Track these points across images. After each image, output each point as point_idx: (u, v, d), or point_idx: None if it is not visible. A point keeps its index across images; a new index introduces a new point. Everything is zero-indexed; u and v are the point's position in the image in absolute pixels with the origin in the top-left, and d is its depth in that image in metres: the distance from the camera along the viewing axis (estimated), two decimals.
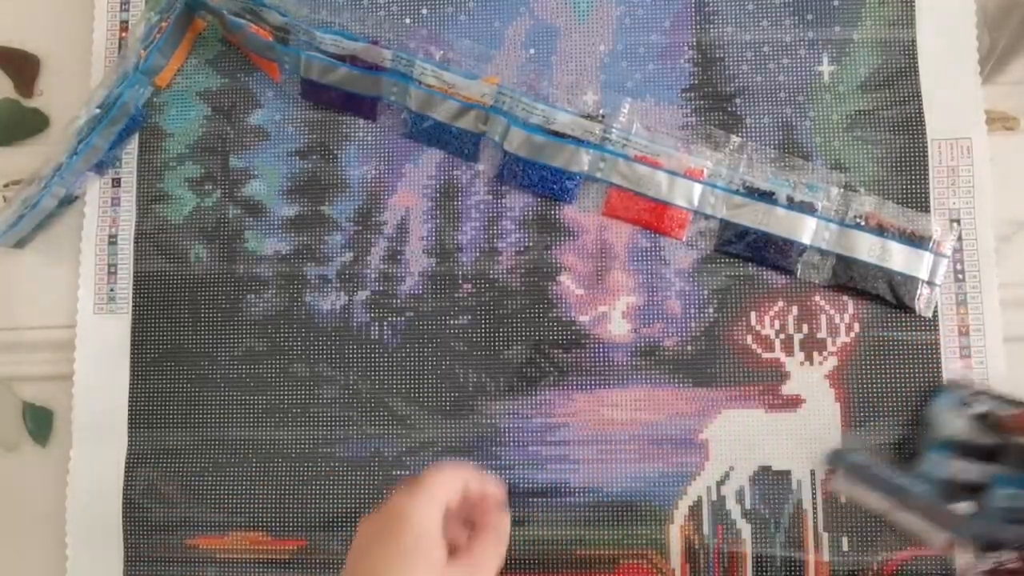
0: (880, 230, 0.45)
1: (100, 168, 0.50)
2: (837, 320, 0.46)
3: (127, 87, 0.48)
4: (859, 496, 0.44)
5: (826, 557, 0.44)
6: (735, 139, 0.46)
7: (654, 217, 0.46)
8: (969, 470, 0.41)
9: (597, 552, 0.45)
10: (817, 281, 0.45)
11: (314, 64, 0.48)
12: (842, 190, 0.45)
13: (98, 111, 0.48)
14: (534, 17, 0.49)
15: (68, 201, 0.50)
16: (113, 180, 0.50)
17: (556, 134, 0.47)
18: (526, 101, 0.47)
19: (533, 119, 0.47)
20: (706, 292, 0.46)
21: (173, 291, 0.49)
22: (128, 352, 0.49)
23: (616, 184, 0.47)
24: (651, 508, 0.45)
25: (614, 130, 0.47)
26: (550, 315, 0.47)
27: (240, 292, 0.48)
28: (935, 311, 0.45)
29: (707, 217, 0.46)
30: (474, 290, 0.47)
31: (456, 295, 0.47)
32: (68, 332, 0.49)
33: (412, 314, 0.47)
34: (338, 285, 0.48)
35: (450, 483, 0.38)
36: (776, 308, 0.46)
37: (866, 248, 0.45)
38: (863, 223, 0.45)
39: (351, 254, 0.48)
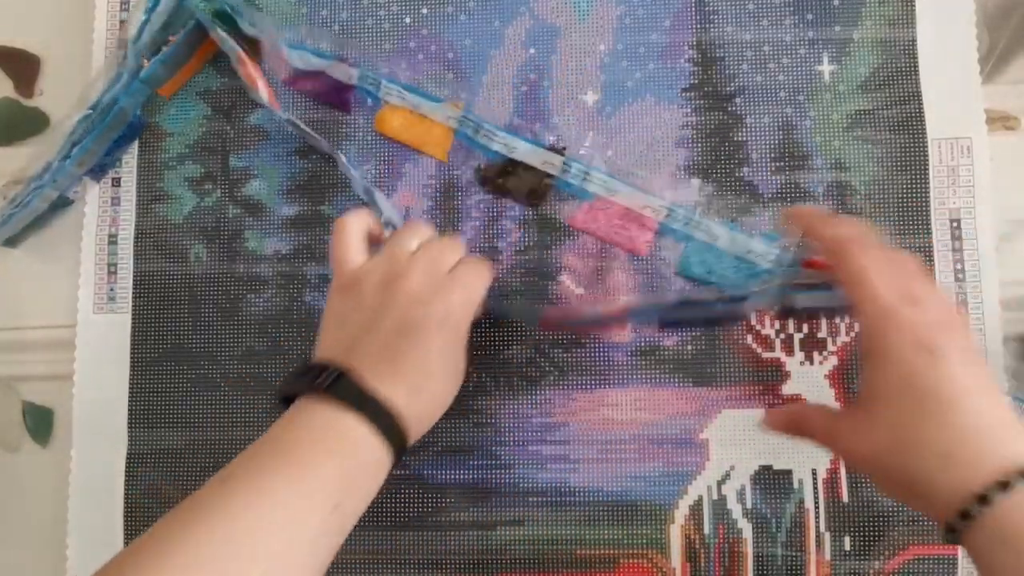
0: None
1: (97, 173, 0.49)
2: (837, 320, 0.46)
3: (125, 94, 0.48)
4: None
5: (828, 557, 0.44)
6: (692, 184, 0.46)
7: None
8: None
9: (597, 552, 0.45)
10: (766, 312, 0.46)
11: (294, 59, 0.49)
12: (790, 248, 0.45)
13: (90, 112, 0.48)
14: (534, 17, 0.49)
15: (62, 204, 0.50)
16: (113, 180, 0.50)
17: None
18: (488, 127, 0.47)
19: (494, 146, 0.47)
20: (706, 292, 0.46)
21: (173, 291, 0.49)
22: (128, 352, 0.49)
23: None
24: (651, 508, 0.45)
25: (574, 164, 0.47)
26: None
27: (240, 292, 0.48)
28: None
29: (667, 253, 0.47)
30: None
31: None
32: (68, 332, 0.49)
33: None
34: None
35: (481, 291, 0.40)
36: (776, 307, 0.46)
37: (807, 275, 0.43)
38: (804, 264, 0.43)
39: None
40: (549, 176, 0.47)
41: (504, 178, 0.47)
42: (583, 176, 0.47)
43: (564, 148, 0.47)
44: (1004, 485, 0.28)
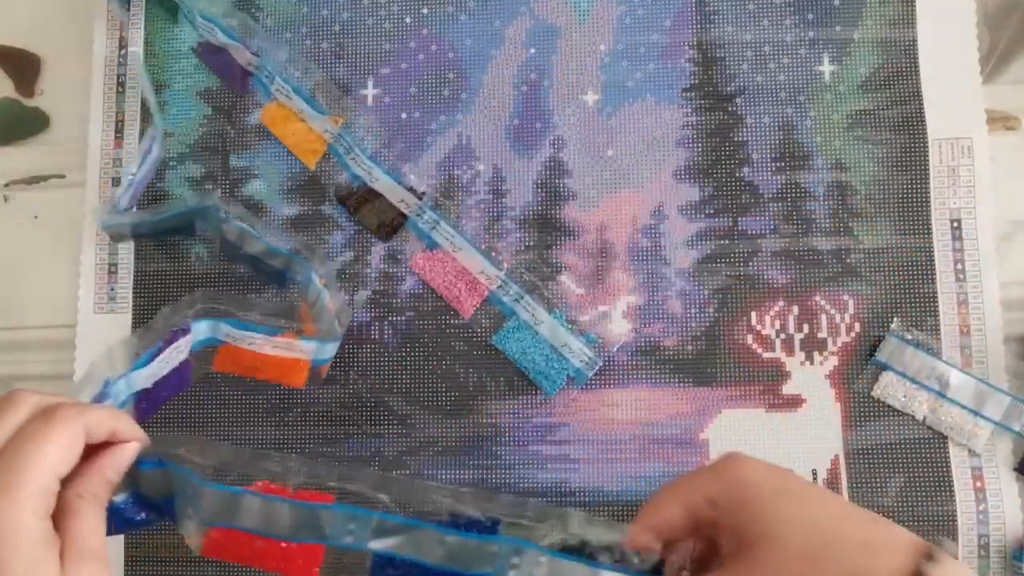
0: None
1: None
2: (838, 320, 0.46)
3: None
4: (902, 398, 0.43)
5: None
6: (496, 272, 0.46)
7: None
8: None
9: None
10: None
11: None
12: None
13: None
14: (534, 17, 0.49)
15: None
16: (114, 180, 0.50)
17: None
18: (357, 152, 0.48)
19: (357, 170, 0.48)
20: (706, 292, 0.46)
21: (173, 290, 0.49)
22: None
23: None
24: None
25: (427, 212, 0.47)
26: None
27: (240, 292, 0.48)
28: (936, 309, 0.45)
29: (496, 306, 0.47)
30: None
31: None
32: (69, 331, 0.49)
33: (412, 314, 0.47)
34: (338, 285, 0.48)
35: (62, 456, 0.27)
36: (777, 308, 0.46)
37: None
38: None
39: (351, 253, 0.48)
40: (402, 215, 0.47)
41: (361, 203, 0.47)
42: (433, 224, 0.47)
43: (423, 193, 0.48)
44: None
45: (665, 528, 0.31)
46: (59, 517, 0.28)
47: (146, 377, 0.39)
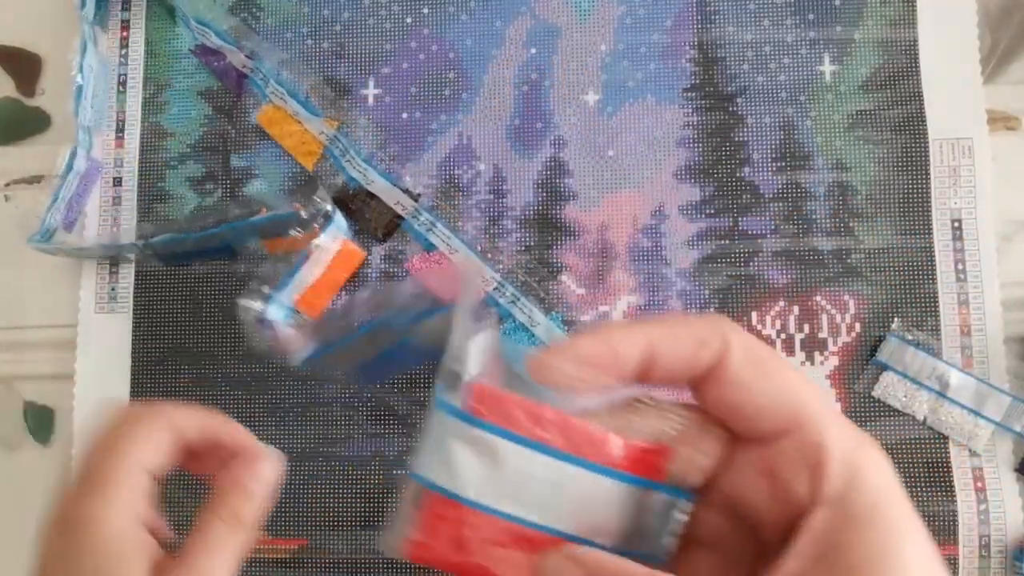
0: None
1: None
2: (838, 320, 0.46)
3: (234, 233, 0.47)
4: (903, 398, 0.43)
5: None
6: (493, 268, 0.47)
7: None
8: None
9: None
10: None
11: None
12: None
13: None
14: (535, 17, 0.49)
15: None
16: (114, 179, 0.50)
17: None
18: (353, 154, 0.48)
19: (353, 172, 0.48)
20: (707, 292, 0.46)
21: (174, 290, 0.49)
22: (129, 351, 0.48)
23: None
24: None
25: (423, 213, 0.47)
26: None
27: (241, 291, 0.48)
28: (937, 309, 0.45)
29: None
30: None
31: None
32: (69, 331, 0.49)
33: None
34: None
35: (147, 449, 0.26)
36: (777, 308, 0.46)
37: None
38: None
39: None
40: (399, 217, 0.47)
41: (358, 205, 0.47)
42: (429, 226, 0.47)
43: (419, 195, 0.48)
44: None
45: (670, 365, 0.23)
46: (189, 537, 0.26)
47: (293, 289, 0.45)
